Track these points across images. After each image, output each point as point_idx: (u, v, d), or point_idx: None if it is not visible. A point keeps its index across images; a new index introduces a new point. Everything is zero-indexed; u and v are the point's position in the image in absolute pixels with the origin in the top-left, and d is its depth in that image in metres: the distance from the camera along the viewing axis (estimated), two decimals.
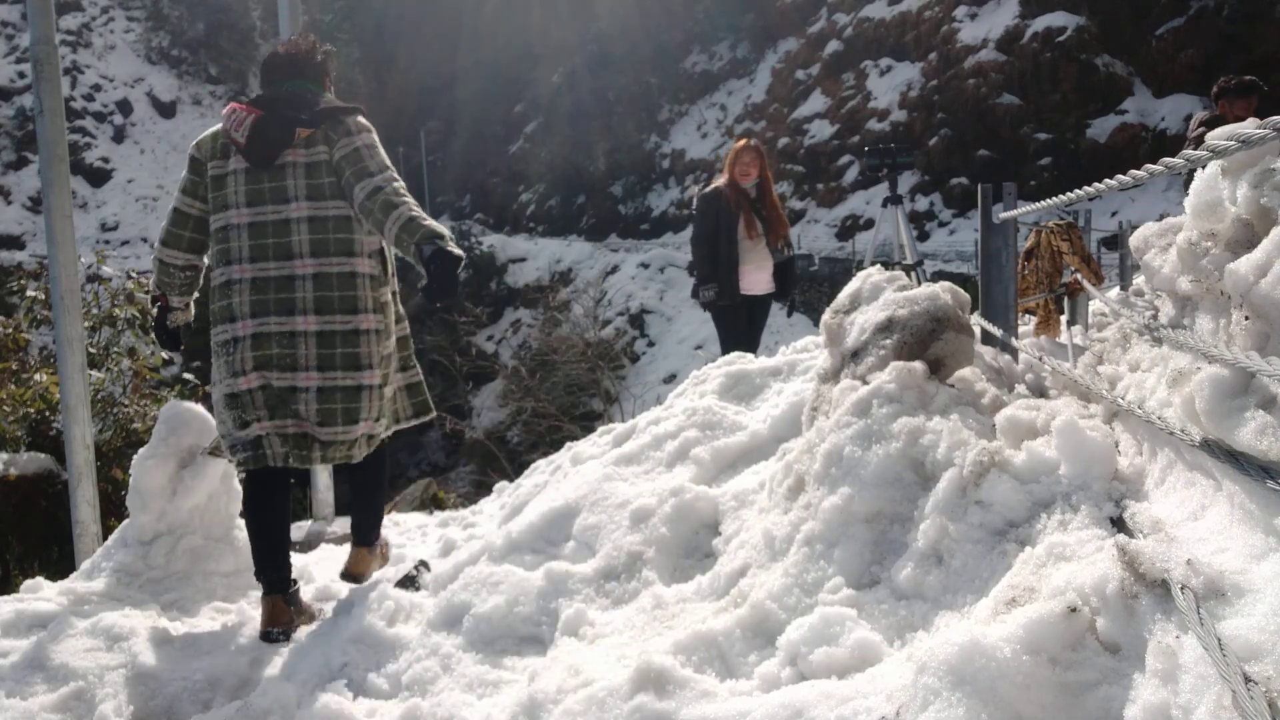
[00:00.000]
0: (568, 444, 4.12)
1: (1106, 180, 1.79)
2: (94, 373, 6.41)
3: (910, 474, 1.93)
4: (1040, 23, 25.32)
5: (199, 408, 3.74)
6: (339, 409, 2.95)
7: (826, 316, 2.59)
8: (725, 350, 5.16)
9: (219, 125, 3.04)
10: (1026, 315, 4.15)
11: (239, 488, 3.58)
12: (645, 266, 30.29)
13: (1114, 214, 18.21)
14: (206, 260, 3.13)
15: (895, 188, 6.87)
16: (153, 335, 4.89)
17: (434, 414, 3.40)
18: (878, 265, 2.82)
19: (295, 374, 2.91)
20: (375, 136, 3.01)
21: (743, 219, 5.66)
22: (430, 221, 2.85)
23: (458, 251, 2.79)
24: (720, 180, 5.84)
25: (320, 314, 2.91)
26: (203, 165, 3.01)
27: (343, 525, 4.99)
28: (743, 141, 5.91)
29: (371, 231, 2.99)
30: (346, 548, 3.99)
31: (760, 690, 1.67)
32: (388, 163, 2.98)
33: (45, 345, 7.46)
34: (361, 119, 3.02)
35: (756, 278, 5.77)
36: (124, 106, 53.47)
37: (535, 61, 43.65)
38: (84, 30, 54.96)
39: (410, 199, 2.90)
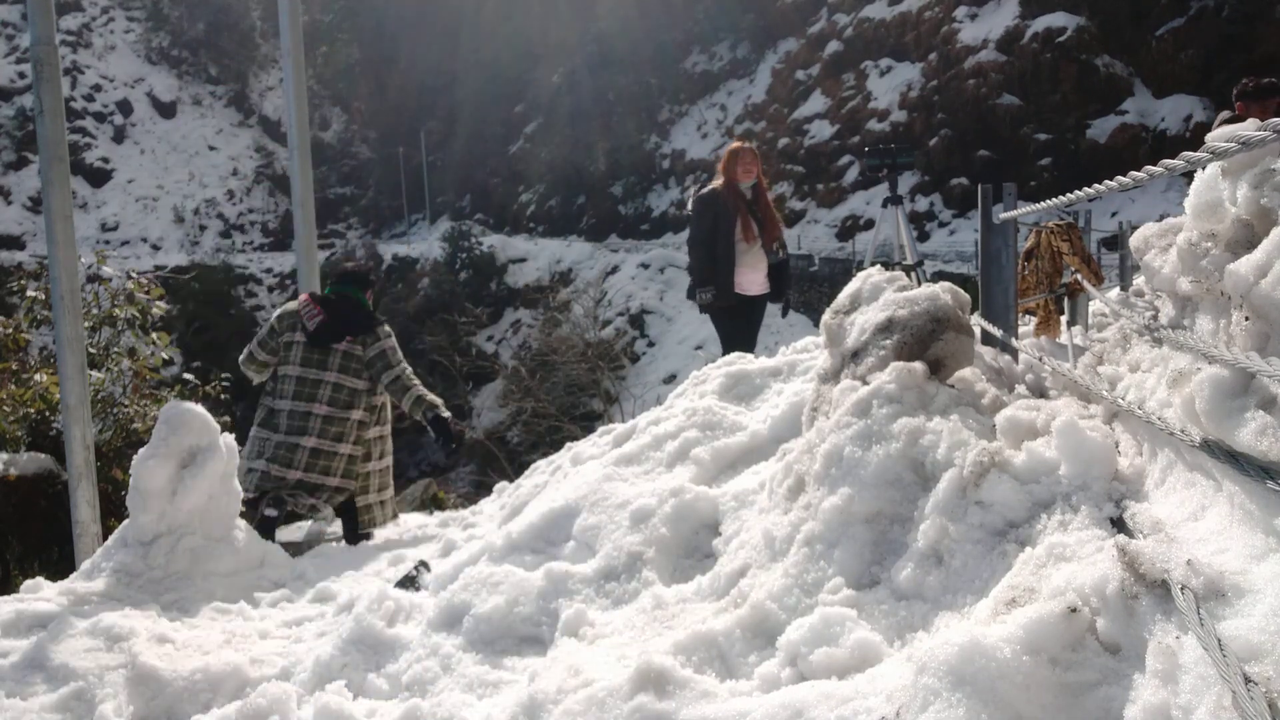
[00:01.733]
0: (568, 444, 4.12)
1: (1107, 181, 1.79)
2: (94, 373, 6.41)
3: (910, 474, 1.93)
4: (1040, 23, 25.34)
5: (199, 408, 3.75)
6: (306, 501, 4.68)
7: (826, 317, 2.59)
8: (726, 351, 5.15)
9: (296, 304, 4.83)
10: (1026, 316, 4.15)
11: (238, 488, 3.73)
12: (645, 267, 30.31)
13: (1114, 214, 18.23)
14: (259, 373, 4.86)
15: (895, 188, 6.86)
16: (154, 337, 5.91)
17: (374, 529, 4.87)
18: (878, 266, 2.82)
19: (287, 470, 4.57)
20: (394, 339, 4.88)
21: (739, 221, 5.64)
22: (431, 395, 4.79)
23: (448, 414, 4.82)
24: (716, 182, 5.82)
25: (320, 437, 4.63)
26: (279, 332, 4.78)
27: (339, 527, 5.01)
28: (739, 143, 5.89)
29: (376, 395, 4.85)
30: (345, 548, 4.14)
31: (760, 690, 1.67)
32: (401, 356, 4.84)
33: (45, 345, 7.46)
34: (385, 328, 4.89)
35: (752, 278, 5.76)
36: (124, 107, 53.49)
37: (535, 61, 43.66)
38: (84, 30, 54.98)
39: (416, 380, 4.82)
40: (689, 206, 6.06)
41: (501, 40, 44.54)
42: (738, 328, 5.76)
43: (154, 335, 7.19)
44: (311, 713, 2.18)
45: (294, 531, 5.07)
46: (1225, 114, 5.80)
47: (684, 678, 1.72)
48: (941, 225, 25.92)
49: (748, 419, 3.18)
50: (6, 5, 50.07)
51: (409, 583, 3.13)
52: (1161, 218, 2.19)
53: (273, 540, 4.22)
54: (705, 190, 5.86)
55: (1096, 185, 1.87)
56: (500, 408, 23.42)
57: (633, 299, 28.69)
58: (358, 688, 2.42)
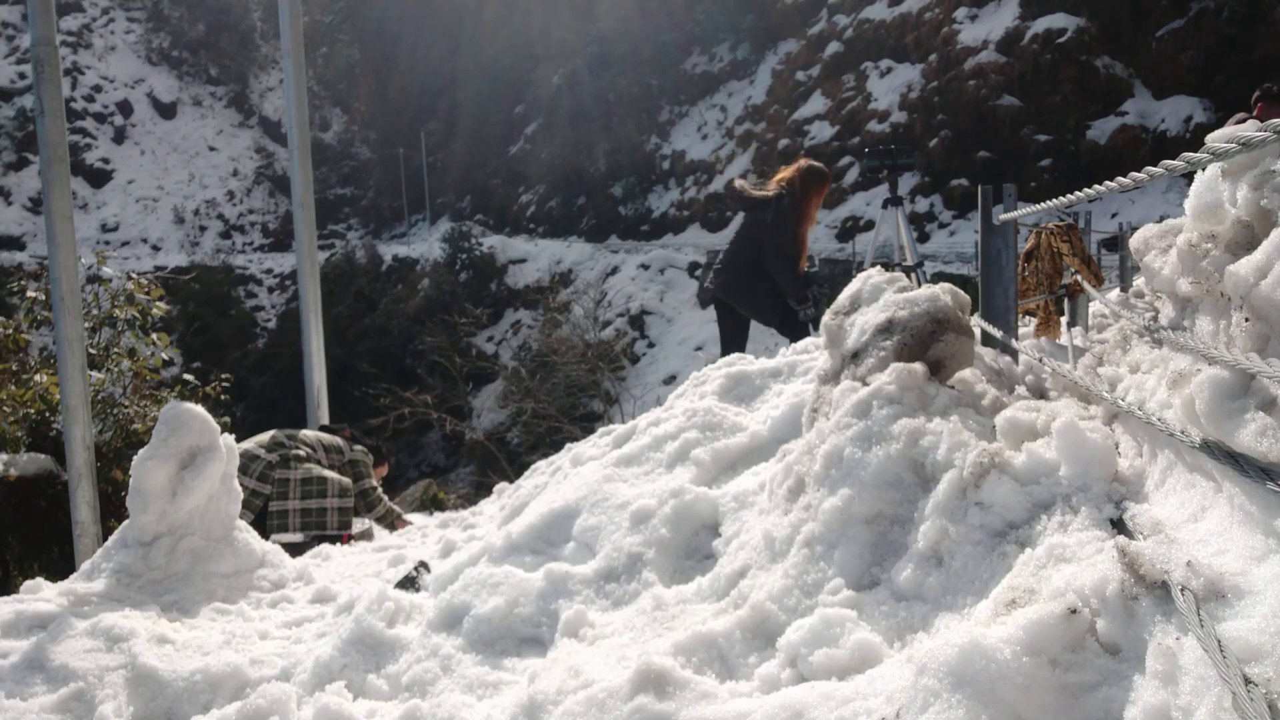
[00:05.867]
0: (568, 445, 4.12)
1: (1107, 182, 1.79)
2: (94, 373, 6.40)
3: (910, 475, 1.93)
4: (1040, 24, 25.31)
5: (199, 409, 3.75)
6: None
7: (826, 318, 2.59)
8: (725, 350, 5.15)
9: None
10: (1027, 317, 4.15)
11: (238, 489, 3.73)
12: (645, 268, 30.29)
13: (1114, 215, 18.20)
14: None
15: (895, 189, 6.85)
16: (154, 338, 6.25)
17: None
18: (878, 266, 2.82)
19: None
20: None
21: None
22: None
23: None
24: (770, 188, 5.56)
25: None
26: None
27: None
28: (809, 163, 5.61)
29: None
30: (345, 549, 4.15)
31: (760, 691, 1.67)
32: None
33: (45, 346, 7.46)
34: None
35: None
36: (124, 107, 53.52)
37: (536, 62, 43.64)
38: (84, 31, 55.01)
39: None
40: (774, 211, 5.54)
41: (502, 41, 44.50)
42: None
43: (154, 336, 7.19)
44: (311, 713, 2.18)
45: (294, 533, 5.07)
46: (1241, 115, 5.74)
47: (684, 679, 1.72)
48: (941, 226, 25.90)
49: (748, 420, 3.18)
50: (7, 5, 50.05)
51: (409, 583, 3.13)
52: (1161, 219, 2.20)
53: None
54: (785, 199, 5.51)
55: (1096, 186, 1.87)
56: (500, 408, 23.41)
57: (633, 300, 28.68)
58: (358, 688, 2.42)
